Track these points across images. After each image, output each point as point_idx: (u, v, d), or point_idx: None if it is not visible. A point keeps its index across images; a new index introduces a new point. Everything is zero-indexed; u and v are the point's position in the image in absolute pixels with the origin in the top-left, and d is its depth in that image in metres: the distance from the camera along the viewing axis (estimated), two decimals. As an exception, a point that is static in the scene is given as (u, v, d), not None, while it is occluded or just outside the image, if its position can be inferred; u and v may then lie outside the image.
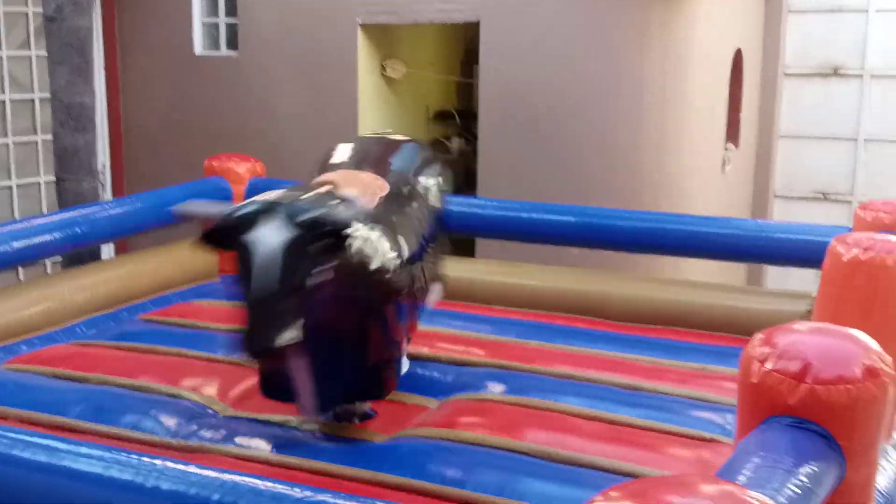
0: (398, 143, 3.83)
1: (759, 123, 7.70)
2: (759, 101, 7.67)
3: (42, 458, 2.06)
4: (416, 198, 3.54)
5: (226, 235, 2.72)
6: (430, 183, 3.69)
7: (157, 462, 1.96)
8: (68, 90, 5.13)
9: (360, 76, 6.43)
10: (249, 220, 2.68)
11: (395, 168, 3.59)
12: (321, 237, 2.70)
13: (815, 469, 1.98)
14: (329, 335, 2.97)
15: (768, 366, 2.17)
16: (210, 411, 3.46)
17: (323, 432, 3.26)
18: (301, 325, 2.68)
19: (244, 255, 2.66)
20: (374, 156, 3.65)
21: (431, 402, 3.55)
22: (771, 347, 2.22)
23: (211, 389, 3.60)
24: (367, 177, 3.41)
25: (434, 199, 3.67)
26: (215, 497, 1.84)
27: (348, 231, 2.76)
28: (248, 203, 2.76)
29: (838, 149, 7.74)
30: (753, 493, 1.64)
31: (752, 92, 7.45)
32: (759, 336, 2.31)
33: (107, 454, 2.00)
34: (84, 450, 2.03)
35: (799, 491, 1.89)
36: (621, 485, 1.66)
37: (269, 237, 2.64)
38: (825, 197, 7.84)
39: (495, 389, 3.58)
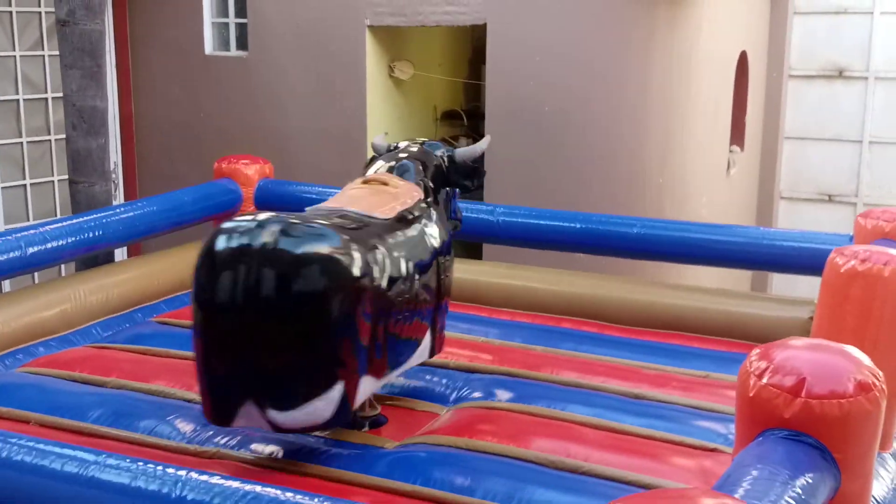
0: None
1: (764, 125, 7.76)
2: (764, 102, 7.72)
3: (72, 469, 2.14)
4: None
5: None
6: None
7: (182, 472, 2.05)
8: (80, 94, 5.18)
9: (369, 77, 6.49)
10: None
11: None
12: None
13: (811, 480, 2.07)
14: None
15: (764, 380, 2.26)
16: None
17: (334, 438, 3.34)
18: None
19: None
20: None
21: (441, 410, 3.62)
22: (768, 362, 2.31)
23: (225, 395, 3.65)
24: (400, 189, 3.51)
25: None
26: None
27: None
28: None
29: (843, 150, 7.80)
30: None
31: (757, 94, 7.49)
32: (756, 351, 2.39)
33: (133, 465, 2.09)
34: (112, 461, 2.11)
35: (794, 502, 1.97)
36: (622, 499, 1.73)
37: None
38: (830, 199, 7.90)
39: (503, 397, 3.65)
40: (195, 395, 3.62)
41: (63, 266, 6.24)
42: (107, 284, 4.70)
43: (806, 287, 5.75)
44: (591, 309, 4.74)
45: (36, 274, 5.94)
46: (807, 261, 4.33)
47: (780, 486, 2.00)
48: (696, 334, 4.51)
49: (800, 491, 2.00)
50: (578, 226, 4.80)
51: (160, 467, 2.08)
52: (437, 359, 3.89)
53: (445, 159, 3.84)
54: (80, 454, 2.17)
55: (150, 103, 7.16)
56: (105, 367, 3.91)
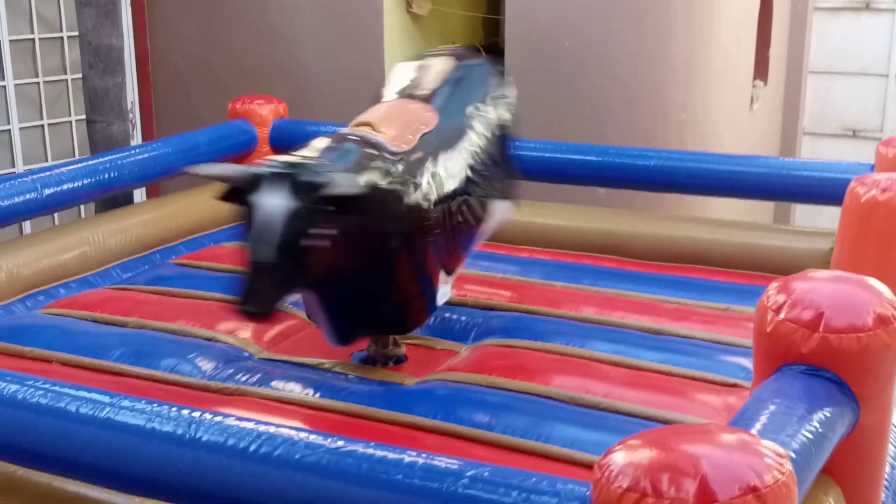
0: (464, 66, 3.79)
1: (788, 59, 7.62)
2: (789, 35, 7.58)
3: (87, 410, 2.15)
4: (471, 127, 3.55)
5: (239, 195, 2.76)
6: (491, 113, 3.67)
7: (196, 413, 2.05)
8: (96, 32, 5.14)
9: (386, 13, 6.40)
10: (257, 183, 2.72)
11: (457, 96, 3.60)
12: (326, 205, 2.72)
13: (828, 414, 2.06)
14: (346, 275, 3.01)
15: (782, 315, 2.24)
16: (245, 354, 3.56)
17: (356, 375, 3.35)
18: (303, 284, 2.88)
19: (248, 217, 2.72)
20: (429, 83, 3.64)
21: (460, 348, 3.63)
22: (786, 295, 2.28)
23: (245, 332, 3.69)
24: (414, 110, 3.43)
25: (495, 127, 3.67)
26: (252, 447, 1.94)
27: (355, 193, 2.78)
28: (263, 165, 2.80)
29: (868, 85, 7.67)
30: (767, 443, 1.70)
31: (782, 27, 7.35)
32: (774, 284, 2.37)
33: (147, 406, 2.10)
34: (126, 402, 2.12)
35: (811, 436, 1.97)
36: (640, 434, 1.73)
37: (272, 203, 2.68)
38: (854, 134, 7.79)
39: (522, 335, 3.64)
40: (216, 333, 3.67)
41: (83, 208, 6.26)
42: (126, 226, 4.71)
43: (827, 219, 5.71)
44: (610, 244, 4.72)
45: (56, 217, 5.94)
46: (828, 191, 4.28)
47: (798, 421, 1.99)
48: (716, 267, 4.49)
49: (817, 425, 1.99)
50: (595, 158, 4.76)
51: (174, 409, 2.08)
52: (455, 297, 3.89)
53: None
54: (94, 396, 2.18)
55: (166, 41, 7.09)
56: (125, 308, 3.93)
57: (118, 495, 2.53)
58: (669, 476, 1.55)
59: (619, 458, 1.62)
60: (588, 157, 4.79)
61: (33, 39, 6.60)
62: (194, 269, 4.46)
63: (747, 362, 3.39)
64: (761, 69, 6.95)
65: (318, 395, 3.19)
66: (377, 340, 3.49)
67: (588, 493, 1.69)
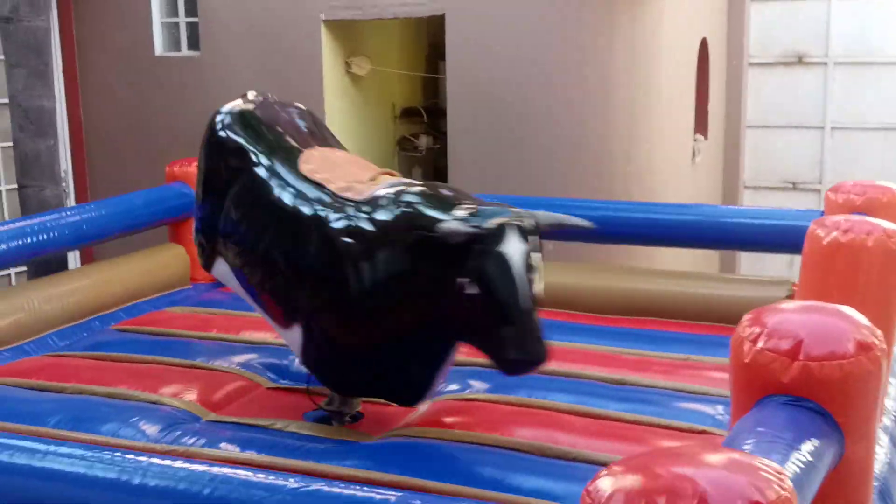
0: None
1: (726, 113, 7.72)
2: (726, 90, 7.69)
3: (21, 460, 1.97)
4: None
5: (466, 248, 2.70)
6: None
7: (143, 458, 1.88)
8: (27, 93, 4.99)
9: (325, 74, 6.35)
10: (501, 233, 2.68)
11: None
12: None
13: (816, 445, 1.96)
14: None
15: (760, 345, 2.15)
16: (192, 416, 3.37)
17: (311, 434, 3.19)
18: None
19: (495, 268, 2.65)
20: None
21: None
22: (761, 327, 2.20)
23: (191, 395, 3.52)
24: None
25: None
26: (206, 491, 1.76)
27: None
28: (480, 214, 2.75)
29: (805, 137, 7.79)
30: (762, 460, 1.60)
31: (718, 82, 7.46)
32: (747, 316, 2.28)
33: (88, 453, 1.92)
34: (65, 450, 1.94)
35: (803, 465, 1.87)
36: (621, 460, 1.62)
37: (520, 250, 2.68)
38: (794, 186, 7.89)
39: (480, 388, 3.53)
40: (159, 396, 3.48)
41: (14, 276, 6.02)
42: (62, 293, 4.52)
43: (773, 268, 5.72)
44: (562, 298, 4.62)
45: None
46: (778, 238, 4.26)
47: (786, 449, 1.89)
48: (674, 319, 4.42)
49: (807, 455, 1.89)
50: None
51: (118, 453, 1.91)
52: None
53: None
54: (28, 444, 2.00)
55: (100, 107, 6.94)
56: (63, 375, 3.73)
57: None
58: (666, 499, 1.44)
59: (606, 484, 1.50)
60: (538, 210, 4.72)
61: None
62: (136, 335, 4.27)
63: (713, 410, 3.32)
64: (701, 123, 7.02)
65: (272, 454, 3.02)
66: (337, 397, 3.35)
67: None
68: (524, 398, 3.39)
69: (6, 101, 5.28)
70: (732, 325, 3.93)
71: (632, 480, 1.49)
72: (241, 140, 3.42)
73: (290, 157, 3.32)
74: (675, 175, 6.52)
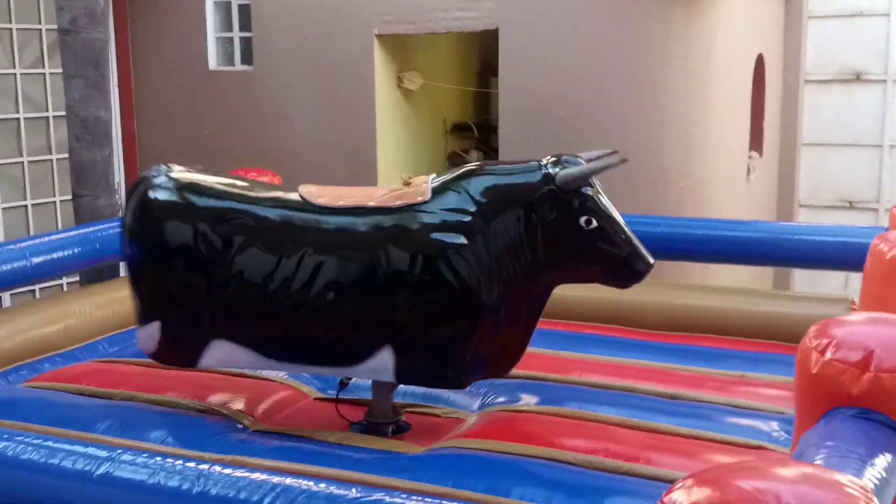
0: None
1: (782, 131, 7.60)
2: (781, 107, 7.57)
3: (83, 466, 1.95)
4: None
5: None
6: None
7: (204, 466, 1.85)
8: (84, 104, 5.04)
9: (377, 88, 6.35)
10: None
11: None
12: None
13: (890, 459, 1.87)
14: None
15: (828, 355, 2.07)
16: (239, 426, 3.35)
17: (357, 445, 3.15)
18: None
19: (602, 203, 3.14)
20: None
21: (466, 415, 3.43)
22: (829, 338, 2.13)
23: (239, 404, 3.50)
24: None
25: None
26: (267, 500, 1.72)
27: None
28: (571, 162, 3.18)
29: (862, 156, 7.63)
30: (843, 475, 1.52)
31: (774, 98, 7.35)
32: (814, 328, 2.21)
33: (150, 460, 1.89)
34: (127, 456, 1.92)
35: (878, 481, 1.78)
36: (691, 474, 1.55)
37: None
38: (851, 205, 7.73)
39: (530, 401, 3.48)
40: (206, 405, 3.46)
41: (66, 285, 6.07)
42: (113, 299, 4.54)
43: (828, 287, 5.58)
44: (615, 314, 4.56)
45: (37, 291, 5.76)
46: (838, 254, 4.17)
47: (859, 464, 1.80)
48: (728, 336, 4.33)
49: (882, 471, 1.80)
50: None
51: (179, 461, 1.88)
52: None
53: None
54: (91, 450, 1.98)
55: (154, 120, 7.01)
56: (112, 381, 3.73)
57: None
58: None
59: (681, 496, 1.44)
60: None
61: (18, 118, 6.50)
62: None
63: (767, 426, 3.23)
64: (756, 140, 6.91)
65: (318, 464, 2.98)
66: (376, 408, 3.31)
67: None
68: (575, 410, 3.33)
69: (62, 112, 5.33)
70: (788, 343, 3.84)
71: (709, 493, 1.42)
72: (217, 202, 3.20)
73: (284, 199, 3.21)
74: (730, 192, 6.41)
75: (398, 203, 3.10)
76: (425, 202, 3.07)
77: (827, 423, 2.01)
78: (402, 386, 3.41)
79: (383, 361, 3.08)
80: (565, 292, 4.64)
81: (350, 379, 3.37)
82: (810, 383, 2.11)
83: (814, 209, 7.75)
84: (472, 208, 3.05)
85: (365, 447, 3.13)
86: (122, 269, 5.63)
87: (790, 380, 3.62)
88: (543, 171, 3.12)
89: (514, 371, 3.72)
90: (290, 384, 3.70)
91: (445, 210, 3.05)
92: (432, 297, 3.00)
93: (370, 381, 3.31)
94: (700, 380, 3.73)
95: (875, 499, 1.46)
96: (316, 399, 3.65)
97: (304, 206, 3.16)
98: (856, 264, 3.62)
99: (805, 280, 7.09)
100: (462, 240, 2.99)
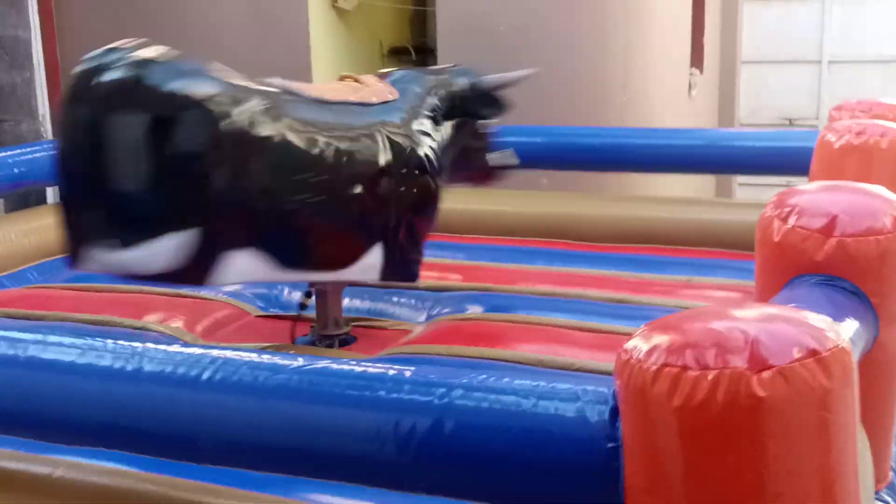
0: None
1: (722, 48, 7.56)
2: (721, 24, 7.53)
3: (4, 350, 1.84)
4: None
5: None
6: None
7: (137, 344, 1.73)
8: (0, 22, 4.80)
9: (311, 8, 6.16)
10: None
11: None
12: None
13: (856, 325, 1.83)
14: None
15: (791, 222, 2.02)
16: (180, 343, 3.23)
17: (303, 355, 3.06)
18: None
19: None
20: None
21: (412, 326, 3.39)
22: (790, 207, 2.07)
23: (177, 322, 3.40)
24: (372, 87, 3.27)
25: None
26: (206, 375, 1.62)
27: None
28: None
29: (802, 72, 7.64)
30: (814, 314, 1.46)
31: (714, 15, 7.30)
32: (772, 199, 2.16)
33: (79, 341, 1.77)
34: (53, 338, 1.80)
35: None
36: (654, 321, 1.48)
37: None
38: (791, 122, 7.77)
39: (477, 310, 3.43)
40: (144, 323, 3.35)
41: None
42: (41, 226, 4.35)
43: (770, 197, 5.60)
44: (558, 227, 4.54)
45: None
46: (782, 159, 4.16)
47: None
48: (671, 245, 4.32)
49: (851, 332, 1.76)
50: (540, 140, 4.60)
51: (110, 341, 1.76)
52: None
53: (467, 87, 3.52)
54: (12, 334, 1.85)
55: (78, 44, 6.71)
56: (44, 304, 3.58)
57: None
58: (717, 346, 1.31)
59: (644, 340, 1.37)
60: (535, 139, 4.61)
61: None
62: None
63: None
64: (697, 57, 6.88)
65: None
66: (326, 320, 3.23)
67: (609, 392, 1.44)
68: (524, 315, 3.29)
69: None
70: (733, 250, 3.83)
71: (672, 335, 1.36)
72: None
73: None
74: (672, 108, 6.39)
75: (374, 100, 3.08)
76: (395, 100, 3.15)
77: (790, 290, 1.96)
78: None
79: (371, 261, 3.02)
80: (505, 208, 4.67)
81: (310, 297, 3.29)
82: (772, 253, 2.05)
83: (754, 127, 7.76)
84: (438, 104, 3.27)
85: (313, 357, 3.05)
86: (50, 196, 5.44)
87: (738, 282, 3.64)
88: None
89: (459, 284, 3.71)
90: (229, 302, 3.60)
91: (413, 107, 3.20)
92: (420, 188, 3.10)
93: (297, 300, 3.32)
94: (647, 285, 3.73)
95: (843, 332, 1.41)
96: (258, 317, 3.57)
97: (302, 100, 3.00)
98: (800, 169, 3.58)
99: (746, 194, 7.13)
100: (433, 135, 3.18)
